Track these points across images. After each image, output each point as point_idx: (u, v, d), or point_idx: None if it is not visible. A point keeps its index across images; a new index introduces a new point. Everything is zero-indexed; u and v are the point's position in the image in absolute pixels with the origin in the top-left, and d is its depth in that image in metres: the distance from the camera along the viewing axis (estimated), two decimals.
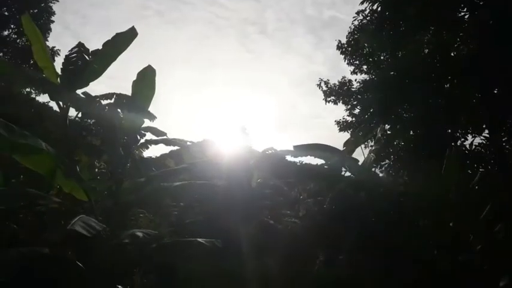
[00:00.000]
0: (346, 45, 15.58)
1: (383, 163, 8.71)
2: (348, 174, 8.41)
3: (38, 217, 6.30)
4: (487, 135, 7.67)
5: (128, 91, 7.11)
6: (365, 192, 7.41)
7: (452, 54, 7.96)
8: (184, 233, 7.99)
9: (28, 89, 13.81)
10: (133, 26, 6.91)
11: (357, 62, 15.92)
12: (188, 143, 8.04)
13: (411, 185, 7.79)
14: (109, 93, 7.40)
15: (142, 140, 7.50)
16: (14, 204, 5.07)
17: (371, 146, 13.31)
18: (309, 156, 9.14)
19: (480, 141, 7.61)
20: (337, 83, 16.93)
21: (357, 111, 16.55)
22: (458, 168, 6.83)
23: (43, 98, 15.91)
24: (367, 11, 10.10)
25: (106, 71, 7.12)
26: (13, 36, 15.12)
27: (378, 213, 7.12)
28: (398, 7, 7.86)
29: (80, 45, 6.97)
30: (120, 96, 7.34)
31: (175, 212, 9.25)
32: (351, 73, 16.65)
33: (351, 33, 15.23)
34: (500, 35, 6.88)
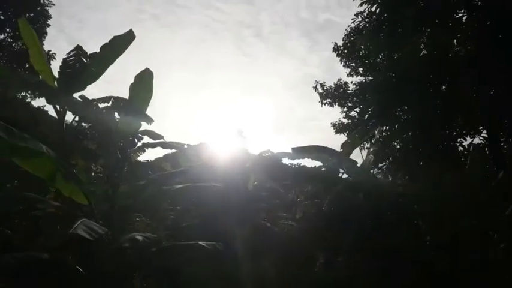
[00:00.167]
0: (342, 48, 15.66)
1: (381, 165, 8.73)
2: (345, 176, 8.42)
3: (33, 222, 6.26)
4: (486, 136, 7.71)
5: (124, 95, 7.09)
6: (363, 194, 7.41)
7: (450, 55, 8.01)
8: (180, 237, 7.97)
9: (23, 93, 13.74)
10: (131, 29, 6.90)
11: (353, 64, 16.02)
12: (185, 146, 8.01)
13: (410, 186, 7.80)
14: (106, 96, 7.40)
15: (139, 144, 7.46)
16: (12, 208, 5.03)
17: (367, 148, 13.37)
18: (306, 159, 9.17)
19: (479, 141, 7.67)
20: (333, 86, 17.03)
21: (353, 113, 16.66)
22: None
23: (38, 102, 15.85)
24: (366, 12, 10.17)
25: (102, 75, 7.11)
26: (9, 40, 15.08)
27: (377, 214, 7.12)
28: (396, 8, 7.90)
29: (78, 48, 6.96)
30: (117, 100, 7.33)
31: (171, 216, 9.22)
32: (347, 75, 16.75)
33: (347, 36, 15.32)
34: (498, 35, 6.93)
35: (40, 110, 12.34)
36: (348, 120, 16.75)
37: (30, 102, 14.02)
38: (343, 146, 9.38)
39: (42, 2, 14.77)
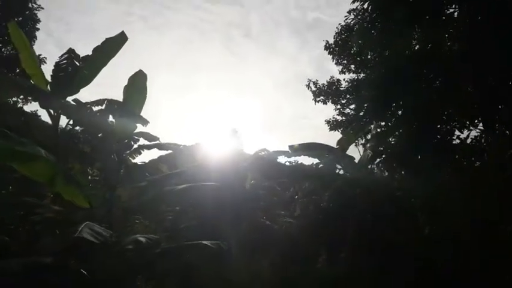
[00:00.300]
0: (333, 45, 15.69)
1: (376, 161, 8.76)
2: (342, 172, 8.44)
3: (31, 227, 6.18)
4: (482, 129, 7.76)
5: (115, 97, 7.02)
6: (361, 189, 7.43)
7: (443, 50, 8.04)
8: (179, 238, 7.93)
9: (15, 98, 13.57)
10: (122, 31, 6.83)
11: (345, 61, 16.05)
12: (181, 147, 7.97)
13: (407, 181, 7.83)
14: (100, 99, 7.30)
15: (135, 146, 7.41)
16: (10, 213, 4.97)
17: (361, 144, 13.39)
18: (302, 157, 9.18)
19: (476, 134, 7.70)
20: (326, 83, 17.04)
21: (347, 110, 16.69)
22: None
23: (30, 107, 15.68)
24: (359, 9, 10.18)
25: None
26: None
27: (375, 208, 7.14)
28: (388, 4, 7.92)
29: (70, 51, 6.87)
30: (111, 102, 7.24)
31: (169, 217, 9.18)
32: (339, 73, 16.76)
33: (339, 33, 15.37)
34: (490, 29, 6.98)
35: (32, 115, 12.20)
36: (341, 117, 16.81)
37: (22, 107, 13.88)
38: (339, 142, 9.44)
39: (30, 6, 14.56)
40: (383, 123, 9.24)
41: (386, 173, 9.27)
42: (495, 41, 7.02)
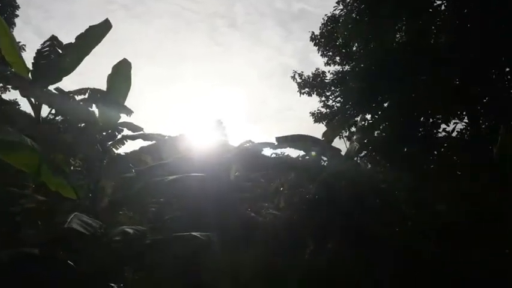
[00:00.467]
0: (319, 37, 15.63)
1: (362, 153, 8.80)
2: (327, 164, 8.44)
3: (11, 218, 6.04)
4: (467, 122, 7.86)
5: (96, 86, 6.91)
6: (346, 182, 7.45)
7: (431, 42, 8.11)
8: (164, 230, 7.87)
9: None
10: (107, 19, 6.69)
11: (330, 53, 16.02)
12: (166, 138, 7.88)
13: (392, 173, 7.90)
14: (82, 88, 7.14)
15: (119, 136, 7.28)
16: None
17: (345, 136, 13.45)
18: (288, 149, 9.16)
19: (462, 127, 7.79)
20: (311, 75, 16.99)
21: (331, 102, 16.69)
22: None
23: (8, 96, 15.33)
24: (347, 0, 10.14)
25: None
26: None
27: (359, 201, 7.17)
28: None
29: (53, 39, 6.68)
30: (94, 91, 7.09)
31: (152, 209, 9.09)
32: (325, 64, 16.72)
33: (324, 25, 15.30)
34: (477, 21, 7.06)
35: (11, 104, 11.88)
36: (326, 109, 16.80)
37: (0, 96, 13.53)
38: (324, 134, 9.44)
39: None
40: (369, 116, 9.30)
41: (371, 166, 9.35)
42: (482, 32, 7.09)
